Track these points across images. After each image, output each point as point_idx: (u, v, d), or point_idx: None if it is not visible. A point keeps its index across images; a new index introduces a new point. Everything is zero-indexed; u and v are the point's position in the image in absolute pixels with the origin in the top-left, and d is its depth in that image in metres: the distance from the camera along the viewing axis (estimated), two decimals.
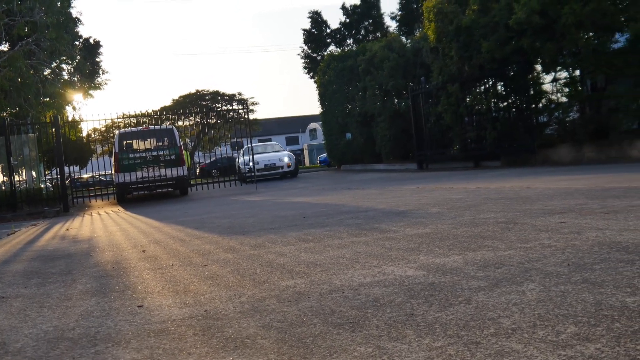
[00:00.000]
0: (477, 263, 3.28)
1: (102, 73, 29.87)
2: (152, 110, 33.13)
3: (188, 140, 36.08)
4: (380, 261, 3.66)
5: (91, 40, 29.93)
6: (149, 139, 17.79)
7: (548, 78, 14.62)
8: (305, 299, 2.86)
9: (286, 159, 22.42)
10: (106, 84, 29.76)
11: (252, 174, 19.43)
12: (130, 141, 17.66)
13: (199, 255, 4.79)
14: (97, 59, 29.56)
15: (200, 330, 2.51)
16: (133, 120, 18.82)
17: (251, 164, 19.50)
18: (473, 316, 2.30)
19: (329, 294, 2.93)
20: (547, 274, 2.83)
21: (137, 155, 17.04)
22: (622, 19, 12.35)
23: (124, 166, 16.77)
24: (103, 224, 9.81)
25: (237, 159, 23.93)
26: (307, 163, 50.15)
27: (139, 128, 18.02)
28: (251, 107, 42.22)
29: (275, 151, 24.45)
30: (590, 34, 13.02)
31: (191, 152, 36.72)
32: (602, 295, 2.37)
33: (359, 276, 3.27)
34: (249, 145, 19.29)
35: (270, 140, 64.29)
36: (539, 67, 14.60)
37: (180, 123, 34.18)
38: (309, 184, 17.53)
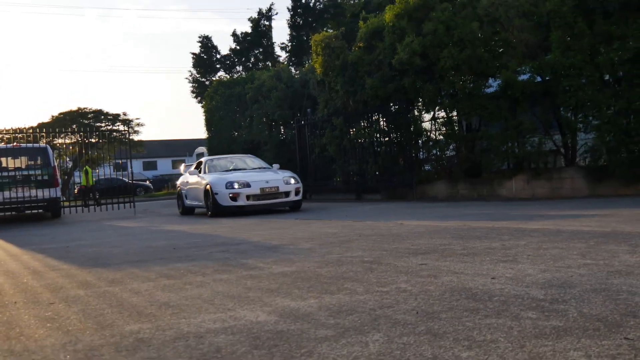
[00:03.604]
0: (330, 308, 3.24)
1: None
2: (29, 126, 31.35)
3: (67, 159, 34.31)
4: (236, 303, 3.54)
5: None
6: (19, 157, 16.77)
7: (428, 117, 15.22)
8: (145, 349, 2.68)
9: (293, 181, 13.59)
10: None
11: (240, 205, 12.94)
12: None
13: (49, 291, 4.46)
14: None
15: None
16: (5, 136, 17.68)
17: (236, 185, 12.97)
18: None
19: (171, 342, 2.77)
20: (395, 323, 2.82)
21: (5, 174, 15.99)
22: (497, 64, 13.05)
23: None
24: None
25: (183, 180, 15.72)
26: None
27: (8, 145, 16.94)
28: (136, 128, 40.99)
29: (259, 168, 14.84)
30: (467, 77, 13.69)
31: (69, 172, 34.96)
32: (440, 349, 2.37)
33: (209, 321, 3.14)
34: (210, 157, 16.12)
35: (155, 163, 62.06)
36: (420, 106, 15.15)
37: (60, 140, 32.49)
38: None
